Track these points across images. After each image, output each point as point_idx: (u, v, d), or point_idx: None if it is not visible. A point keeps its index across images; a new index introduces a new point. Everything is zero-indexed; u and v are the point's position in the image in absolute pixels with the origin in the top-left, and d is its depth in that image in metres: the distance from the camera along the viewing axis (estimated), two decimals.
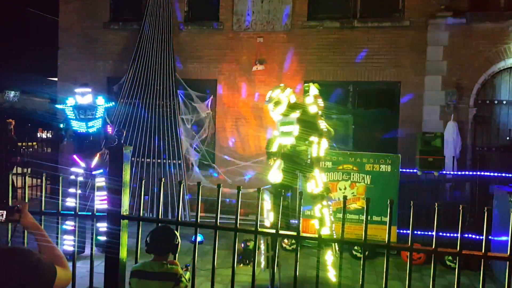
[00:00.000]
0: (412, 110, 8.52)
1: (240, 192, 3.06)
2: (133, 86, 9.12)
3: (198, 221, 3.10)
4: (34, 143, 14.07)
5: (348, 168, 6.68)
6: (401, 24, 8.62)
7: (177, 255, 3.07)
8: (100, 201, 5.18)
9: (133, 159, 8.49)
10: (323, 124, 5.24)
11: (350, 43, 8.82)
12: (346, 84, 8.96)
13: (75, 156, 6.21)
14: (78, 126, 6.24)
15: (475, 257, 2.71)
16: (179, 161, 8.62)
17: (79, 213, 3.39)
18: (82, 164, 6.17)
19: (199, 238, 3.94)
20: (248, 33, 9.23)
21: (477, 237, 5.83)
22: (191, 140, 8.96)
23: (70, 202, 5.80)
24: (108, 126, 6.45)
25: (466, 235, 5.48)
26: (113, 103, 7.13)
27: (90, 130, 6.24)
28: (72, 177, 5.95)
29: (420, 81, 8.50)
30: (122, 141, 3.36)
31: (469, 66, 8.27)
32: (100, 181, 5.84)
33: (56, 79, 10.72)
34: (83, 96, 6.25)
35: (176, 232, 3.08)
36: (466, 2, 8.33)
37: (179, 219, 3.22)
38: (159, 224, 3.20)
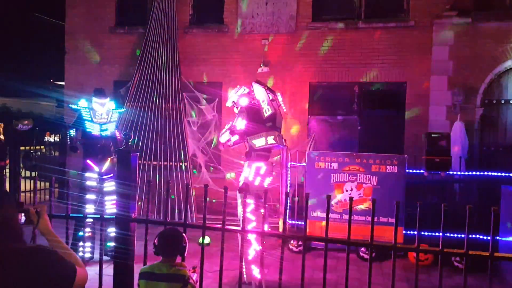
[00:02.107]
0: (418, 110, 8.50)
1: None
2: (139, 89, 9.18)
3: (205, 223, 3.12)
4: (42, 147, 14.18)
5: (354, 169, 6.67)
6: (406, 25, 8.61)
7: (184, 257, 3.10)
8: (111, 205, 5.21)
9: (140, 161, 8.55)
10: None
11: (355, 44, 8.82)
12: (352, 85, 8.96)
13: (89, 161, 6.10)
14: (92, 128, 6.17)
15: (482, 257, 2.70)
16: (186, 164, 8.66)
17: (88, 215, 3.42)
18: (96, 169, 6.08)
19: (206, 240, 3.95)
20: (253, 35, 9.26)
21: (485, 237, 5.80)
22: (197, 143, 8.99)
23: (89, 208, 5.84)
24: (117, 131, 6.46)
25: (473, 236, 5.45)
26: (124, 108, 7.12)
27: (103, 134, 6.21)
28: (88, 182, 5.98)
29: (426, 81, 8.48)
30: (129, 144, 3.39)
31: (475, 66, 8.24)
32: (110, 185, 5.86)
33: (63, 83, 10.81)
34: (102, 106, 6.21)
35: (183, 234, 3.10)
36: (471, 1, 8.30)
37: (186, 221, 3.24)
38: (167, 227, 3.22)
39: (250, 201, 4.93)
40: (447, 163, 6.76)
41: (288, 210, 7.22)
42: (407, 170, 6.59)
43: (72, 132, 6.15)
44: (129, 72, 9.61)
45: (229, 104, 5.72)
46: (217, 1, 9.56)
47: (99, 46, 10.12)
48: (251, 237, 4.84)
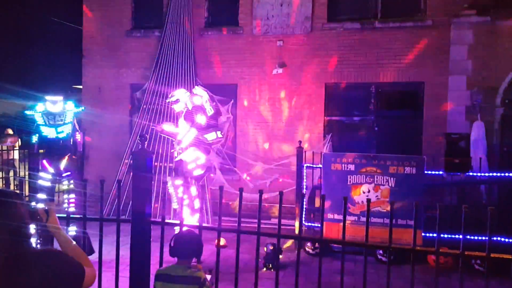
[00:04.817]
0: (437, 111, 8.36)
1: (262, 196, 3.05)
2: (155, 92, 9.26)
3: (221, 225, 3.11)
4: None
5: (371, 170, 6.59)
6: (424, 24, 8.48)
7: (200, 259, 3.09)
8: (69, 204, 5.27)
9: (155, 163, 8.61)
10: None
11: (371, 44, 8.73)
12: (368, 86, 8.86)
13: (44, 162, 6.15)
14: (47, 132, 6.24)
15: (504, 260, 2.63)
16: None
17: (104, 218, 3.44)
18: (51, 170, 6.12)
19: (222, 242, 3.95)
20: (268, 36, 9.25)
21: (506, 240, 5.66)
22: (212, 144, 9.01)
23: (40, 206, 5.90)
24: (77, 132, 6.48)
25: (495, 238, 5.32)
26: (83, 107, 7.15)
27: (60, 136, 6.26)
28: (40, 182, 6.02)
29: (444, 81, 8.33)
30: (145, 146, 3.40)
31: (495, 65, 8.06)
32: (68, 184, 5.94)
33: (80, 86, 10.97)
34: (54, 103, 6.27)
35: (199, 236, 3.10)
36: None
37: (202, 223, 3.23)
38: (183, 228, 3.22)
39: (179, 182, 6.07)
40: (466, 164, 6.63)
41: (304, 212, 7.18)
42: (425, 172, 6.48)
43: (34, 138, 6.26)
44: (145, 75, 9.71)
45: (181, 106, 6.39)
46: (232, 3, 9.58)
47: (116, 49, 10.23)
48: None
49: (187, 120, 6.32)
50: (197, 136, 6.23)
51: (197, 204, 6.03)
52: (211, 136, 6.24)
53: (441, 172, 6.80)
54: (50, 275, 1.64)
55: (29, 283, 1.61)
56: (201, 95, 6.37)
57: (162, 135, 7.08)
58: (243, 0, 9.42)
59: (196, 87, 6.57)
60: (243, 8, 9.44)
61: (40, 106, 6.26)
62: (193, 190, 6.09)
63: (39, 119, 6.25)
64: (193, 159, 6.12)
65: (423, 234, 6.26)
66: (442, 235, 5.92)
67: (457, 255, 2.72)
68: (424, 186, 6.42)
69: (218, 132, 6.37)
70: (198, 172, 6.20)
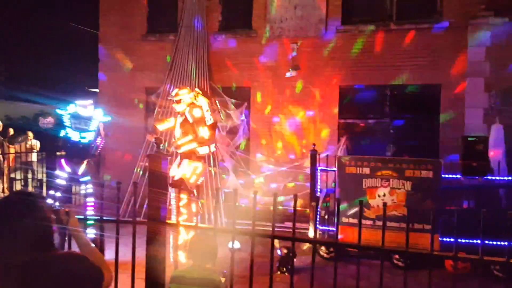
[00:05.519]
0: (454, 113, 8.24)
1: (276, 199, 3.04)
2: (170, 95, 9.32)
3: (235, 227, 3.10)
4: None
5: (387, 174, 6.51)
6: (440, 25, 8.39)
7: (215, 261, 3.09)
8: (88, 207, 5.31)
9: (170, 167, 8.64)
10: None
11: (386, 46, 8.66)
12: (383, 88, 8.79)
13: (62, 161, 6.22)
14: (71, 134, 6.31)
15: None
16: (215, 168, 8.70)
17: (120, 219, 3.46)
18: (68, 169, 6.19)
19: (236, 245, 3.94)
20: (281, 39, 9.24)
21: None
22: (226, 147, 9.03)
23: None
24: (99, 137, 6.55)
25: None
26: (110, 118, 7.18)
27: (83, 141, 6.31)
28: (58, 180, 6.09)
29: (461, 83, 8.21)
30: (160, 149, 3.42)
31: None
32: (87, 188, 5.99)
33: (97, 90, 11.12)
34: (84, 107, 6.32)
35: (214, 238, 3.10)
36: (508, 0, 8.00)
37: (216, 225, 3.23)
38: (197, 231, 3.22)
39: (184, 196, 5.57)
40: (484, 167, 6.51)
41: (318, 216, 7.13)
42: (442, 175, 6.38)
43: (61, 134, 6.35)
44: (160, 78, 9.79)
45: (182, 107, 6.04)
46: (245, 7, 9.61)
47: (131, 53, 10.35)
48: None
49: (185, 130, 6.07)
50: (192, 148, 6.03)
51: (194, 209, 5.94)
52: (203, 150, 6.01)
53: (458, 176, 6.69)
54: (71, 278, 1.68)
55: (51, 285, 1.64)
56: (201, 105, 6.05)
57: (153, 139, 6.16)
58: (256, 3, 9.44)
59: (198, 95, 6.18)
60: (256, 12, 9.46)
61: (71, 107, 6.35)
62: (193, 207, 5.89)
63: (67, 121, 6.34)
64: (192, 171, 5.93)
65: (440, 238, 6.15)
66: (459, 240, 5.82)
67: (476, 260, 2.67)
68: (441, 190, 6.32)
69: (212, 146, 6.20)
70: (200, 180, 6.09)
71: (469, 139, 6.83)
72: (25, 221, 1.67)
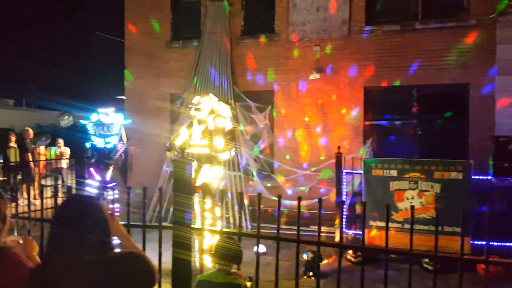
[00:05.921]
0: (483, 113, 7.99)
1: (301, 203, 3.02)
2: (191, 102, 9.43)
3: (260, 231, 3.10)
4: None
5: (415, 176, 6.38)
6: (467, 24, 8.17)
7: (240, 265, 3.10)
8: (114, 213, 5.41)
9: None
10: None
11: (412, 46, 8.50)
12: (410, 89, 8.62)
13: (91, 169, 6.45)
14: (97, 142, 6.55)
15: None
16: (239, 173, 8.73)
17: (147, 224, 3.51)
18: (98, 177, 6.40)
19: (261, 249, 3.94)
20: (304, 42, 9.21)
21: None
22: (250, 151, 9.05)
23: None
24: (120, 142, 6.68)
25: None
26: (130, 120, 7.32)
27: (107, 146, 6.52)
28: (88, 189, 6.27)
29: (491, 82, 7.97)
30: (185, 155, 3.46)
31: None
32: (113, 194, 6.14)
33: (123, 97, 11.36)
34: (106, 115, 6.55)
35: (239, 243, 3.11)
36: None
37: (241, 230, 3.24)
38: (222, 235, 3.24)
39: (208, 201, 5.64)
40: None
41: (344, 219, 7.04)
42: (473, 176, 6.20)
43: (88, 145, 6.58)
44: (184, 84, 9.91)
45: (203, 115, 5.97)
46: (268, 11, 9.63)
47: (156, 60, 10.53)
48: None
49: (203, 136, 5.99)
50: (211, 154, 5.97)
51: (218, 213, 5.94)
52: (224, 156, 5.94)
53: (489, 177, 6.49)
54: (129, 278, 1.74)
55: (116, 284, 1.70)
56: (224, 117, 6.01)
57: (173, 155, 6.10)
58: (279, 7, 9.45)
59: (221, 105, 6.12)
60: (279, 15, 9.47)
61: (94, 116, 6.59)
62: (217, 211, 5.90)
63: (91, 129, 6.57)
64: (213, 175, 5.93)
65: (471, 241, 5.98)
66: (491, 243, 5.64)
67: (508, 264, 2.58)
68: (471, 192, 6.14)
69: (232, 151, 6.15)
70: (222, 184, 6.14)
71: (501, 139, 6.64)
72: (90, 221, 1.73)
